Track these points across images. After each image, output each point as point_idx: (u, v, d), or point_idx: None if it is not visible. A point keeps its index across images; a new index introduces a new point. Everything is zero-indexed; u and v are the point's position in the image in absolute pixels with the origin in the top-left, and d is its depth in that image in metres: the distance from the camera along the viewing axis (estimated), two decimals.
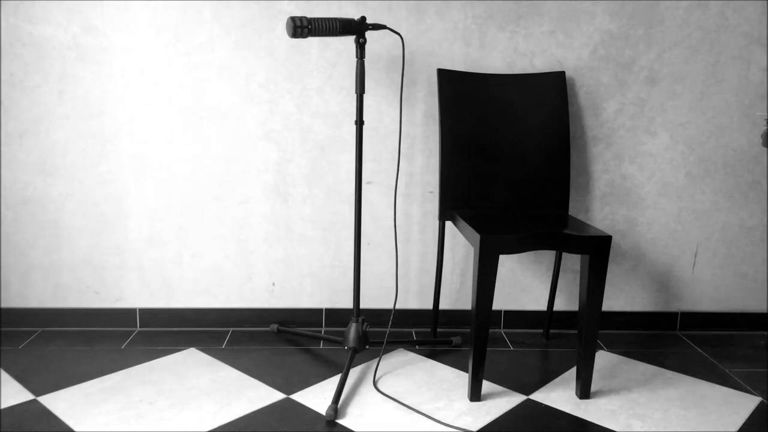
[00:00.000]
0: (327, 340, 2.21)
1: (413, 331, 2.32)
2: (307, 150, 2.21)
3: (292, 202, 2.24)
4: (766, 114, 2.25)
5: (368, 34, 2.13)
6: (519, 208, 2.14)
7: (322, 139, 2.21)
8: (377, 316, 2.32)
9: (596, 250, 1.77)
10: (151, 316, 2.27)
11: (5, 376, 1.91)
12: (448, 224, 2.19)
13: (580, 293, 1.83)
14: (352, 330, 1.97)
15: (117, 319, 2.27)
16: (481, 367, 1.81)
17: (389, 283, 2.32)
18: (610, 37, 2.18)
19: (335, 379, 1.93)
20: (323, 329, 2.32)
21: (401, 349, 2.17)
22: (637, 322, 2.38)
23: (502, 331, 2.35)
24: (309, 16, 2.13)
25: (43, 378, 1.90)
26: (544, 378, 1.99)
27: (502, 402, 1.83)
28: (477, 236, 1.75)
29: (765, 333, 2.39)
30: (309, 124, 2.20)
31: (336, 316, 2.32)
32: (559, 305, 2.33)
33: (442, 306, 2.30)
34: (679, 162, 2.28)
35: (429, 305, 2.30)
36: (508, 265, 2.31)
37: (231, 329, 2.29)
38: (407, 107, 2.21)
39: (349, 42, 2.15)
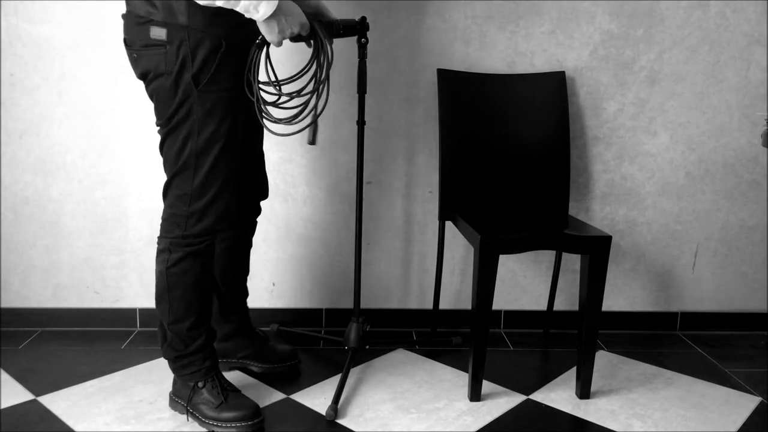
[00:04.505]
0: (327, 341, 2.21)
1: (413, 331, 2.32)
2: (307, 150, 2.21)
3: (292, 202, 2.24)
4: (766, 114, 2.25)
5: (368, 33, 2.13)
6: (519, 208, 2.14)
7: (322, 139, 2.21)
8: (377, 316, 2.32)
9: (596, 250, 1.77)
10: (151, 316, 2.27)
11: (5, 376, 1.91)
12: (448, 224, 2.19)
13: (580, 293, 1.83)
14: (353, 330, 1.97)
15: (117, 319, 2.27)
16: (481, 367, 1.81)
17: (389, 283, 2.32)
18: (610, 37, 2.18)
19: (335, 379, 1.92)
20: (323, 329, 2.32)
21: (401, 349, 2.17)
22: (637, 322, 2.38)
23: (502, 331, 2.35)
24: None
25: (43, 378, 1.90)
26: (544, 378, 1.99)
27: (502, 402, 1.83)
28: (477, 236, 1.75)
29: (765, 333, 2.39)
30: None
31: (336, 316, 2.32)
32: (559, 305, 2.33)
33: (442, 306, 2.30)
34: (679, 162, 2.28)
35: (429, 305, 2.30)
36: (508, 265, 2.31)
37: None
38: (407, 107, 2.21)
39: (349, 42, 2.15)
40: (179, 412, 1.73)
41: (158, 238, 1.65)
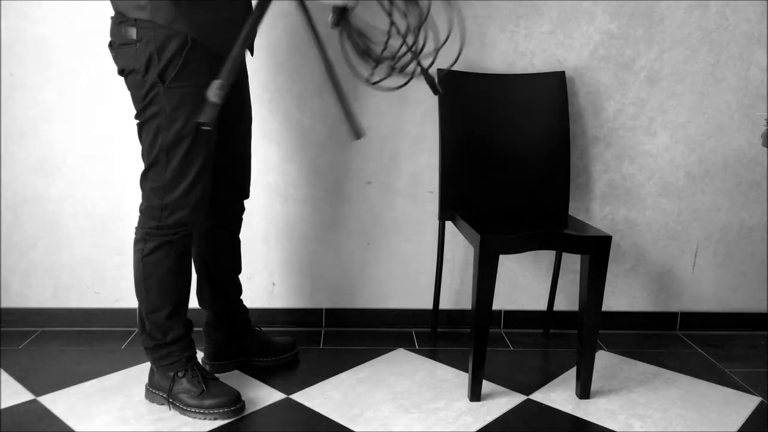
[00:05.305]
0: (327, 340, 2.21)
1: (413, 331, 2.32)
2: (307, 150, 2.21)
3: (293, 202, 2.24)
4: (766, 114, 2.25)
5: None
6: (519, 208, 2.14)
7: (323, 139, 2.21)
8: (377, 316, 2.32)
9: (596, 250, 1.77)
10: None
11: (5, 376, 1.91)
12: (448, 224, 2.19)
13: (580, 293, 1.83)
14: None
15: (117, 319, 2.27)
16: (481, 367, 1.81)
17: (389, 283, 2.31)
18: (610, 37, 2.18)
19: (336, 379, 1.93)
20: (323, 329, 2.32)
21: (401, 349, 2.17)
22: (637, 322, 2.38)
23: (502, 331, 2.35)
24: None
25: (43, 378, 1.90)
26: (544, 378, 1.99)
27: (502, 402, 1.83)
28: (477, 236, 1.75)
29: (765, 333, 2.39)
30: (309, 124, 2.20)
31: (336, 316, 2.32)
32: (559, 305, 2.33)
33: (442, 306, 2.30)
34: (679, 162, 2.28)
35: (429, 305, 2.30)
36: (508, 265, 2.31)
37: None
38: (407, 107, 2.21)
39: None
40: (157, 403, 1.76)
41: (135, 228, 1.71)
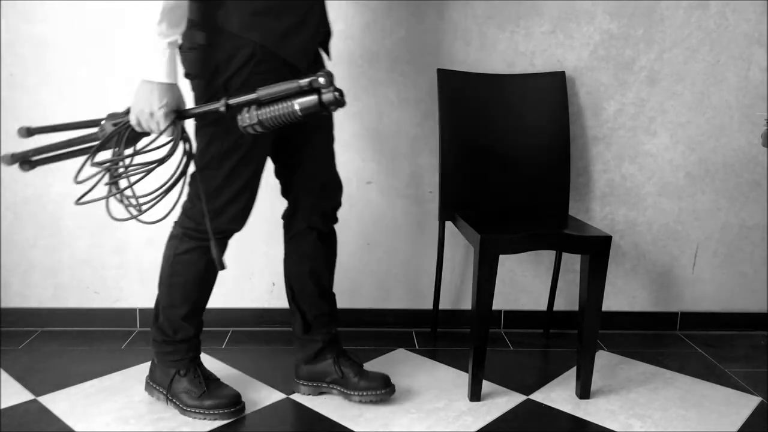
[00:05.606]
0: None
1: (413, 331, 2.32)
2: None
3: None
4: (766, 114, 2.25)
5: (368, 33, 2.13)
6: (519, 208, 2.14)
7: None
8: (377, 316, 2.32)
9: (596, 250, 1.77)
10: (151, 316, 2.27)
11: (5, 376, 1.91)
12: (448, 224, 2.19)
13: (580, 293, 1.83)
14: None
15: (117, 319, 2.27)
16: (481, 367, 1.81)
17: (389, 283, 2.31)
18: (610, 37, 2.18)
19: None
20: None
21: (401, 349, 2.17)
22: (637, 322, 2.38)
23: (502, 331, 2.35)
24: None
25: (43, 378, 1.90)
26: (544, 378, 1.98)
27: (502, 402, 1.83)
28: (477, 236, 1.75)
29: (765, 333, 2.39)
30: None
31: None
32: (559, 305, 2.33)
33: (442, 306, 2.30)
34: (679, 162, 2.28)
35: (429, 305, 2.30)
36: (508, 265, 2.31)
37: (231, 329, 2.28)
38: (407, 107, 2.21)
39: (349, 42, 2.15)
40: (156, 398, 1.77)
41: (174, 222, 1.70)
